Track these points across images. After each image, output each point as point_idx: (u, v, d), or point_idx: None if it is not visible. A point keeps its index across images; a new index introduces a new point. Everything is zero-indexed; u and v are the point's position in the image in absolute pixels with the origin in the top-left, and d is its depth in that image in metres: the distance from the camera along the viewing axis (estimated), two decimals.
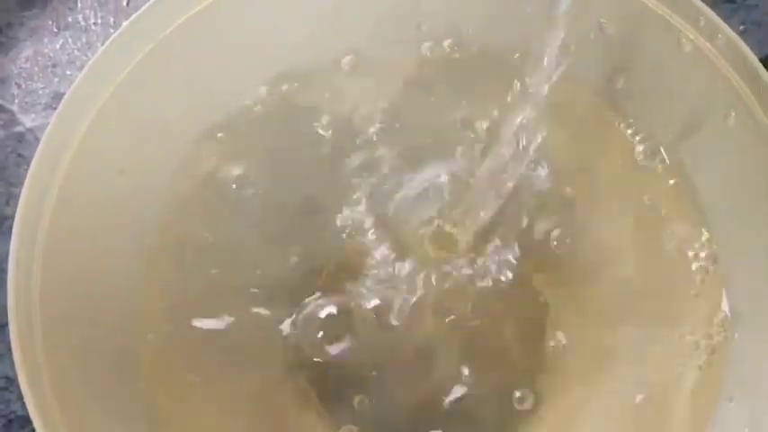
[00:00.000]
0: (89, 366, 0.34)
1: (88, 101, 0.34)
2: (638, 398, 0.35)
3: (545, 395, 0.37)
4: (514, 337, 0.39)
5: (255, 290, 0.40)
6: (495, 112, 0.39)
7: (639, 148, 0.37)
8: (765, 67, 0.32)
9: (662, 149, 0.37)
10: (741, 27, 0.49)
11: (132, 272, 0.37)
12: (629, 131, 0.37)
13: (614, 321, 0.37)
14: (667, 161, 0.36)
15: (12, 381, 0.42)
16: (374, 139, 0.41)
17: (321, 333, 0.38)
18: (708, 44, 0.33)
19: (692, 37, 0.33)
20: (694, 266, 0.36)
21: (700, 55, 0.33)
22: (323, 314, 0.38)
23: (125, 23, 0.34)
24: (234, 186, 0.40)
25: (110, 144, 0.35)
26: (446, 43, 0.40)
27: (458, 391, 0.37)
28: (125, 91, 0.35)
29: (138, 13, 0.34)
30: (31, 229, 0.31)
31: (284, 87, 0.40)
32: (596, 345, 0.37)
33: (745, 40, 0.32)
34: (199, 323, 0.38)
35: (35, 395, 0.29)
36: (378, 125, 0.41)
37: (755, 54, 0.32)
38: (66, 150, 0.33)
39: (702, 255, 0.36)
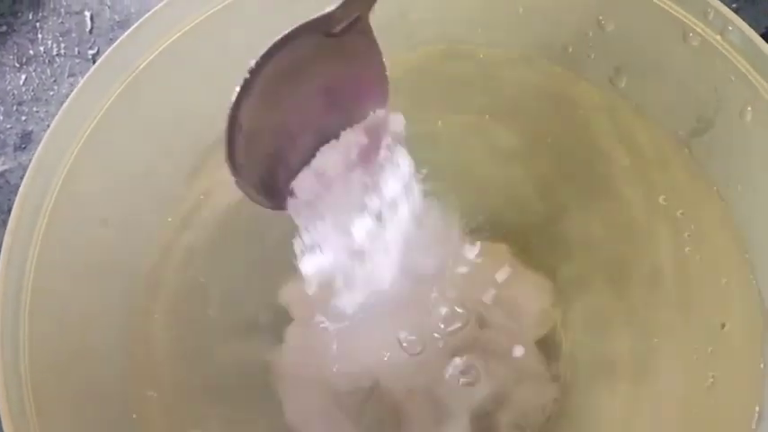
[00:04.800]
0: None
1: (63, 149, 0.31)
2: None
3: None
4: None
5: (255, 326, 0.38)
6: None
7: (650, 146, 0.35)
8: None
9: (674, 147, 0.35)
10: (734, 5, 0.48)
11: (123, 327, 0.34)
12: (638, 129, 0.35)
13: None
14: (680, 159, 0.34)
15: None
16: None
17: None
18: (718, 37, 0.31)
19: (699, 31, 0.31)
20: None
21: (709, 48, 0.31)
22: None
23: (98, 61, 0.32)
24: (221, 221, 0.38)
25: (90, 193, 0.32)
26: None
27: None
28: (102, 133, 0.32)
29: (108, 50, 0.32)
30: (13, 297, 0.29)
31: None
32: None
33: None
34: (200, 371, 0.36)
35: None
36: None
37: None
38: (45, 202, 0.31)
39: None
